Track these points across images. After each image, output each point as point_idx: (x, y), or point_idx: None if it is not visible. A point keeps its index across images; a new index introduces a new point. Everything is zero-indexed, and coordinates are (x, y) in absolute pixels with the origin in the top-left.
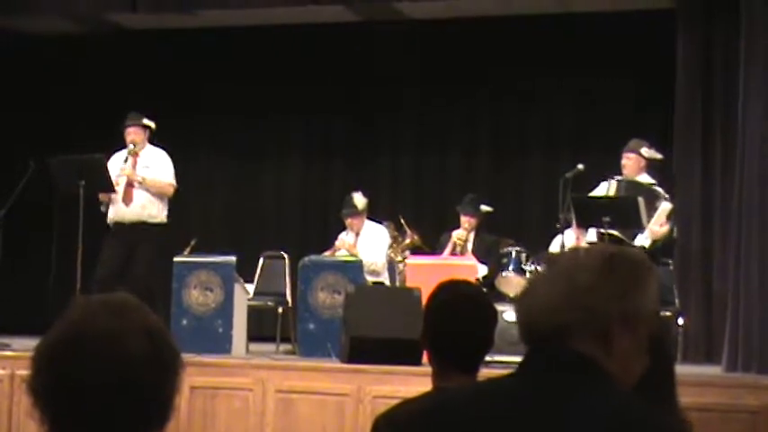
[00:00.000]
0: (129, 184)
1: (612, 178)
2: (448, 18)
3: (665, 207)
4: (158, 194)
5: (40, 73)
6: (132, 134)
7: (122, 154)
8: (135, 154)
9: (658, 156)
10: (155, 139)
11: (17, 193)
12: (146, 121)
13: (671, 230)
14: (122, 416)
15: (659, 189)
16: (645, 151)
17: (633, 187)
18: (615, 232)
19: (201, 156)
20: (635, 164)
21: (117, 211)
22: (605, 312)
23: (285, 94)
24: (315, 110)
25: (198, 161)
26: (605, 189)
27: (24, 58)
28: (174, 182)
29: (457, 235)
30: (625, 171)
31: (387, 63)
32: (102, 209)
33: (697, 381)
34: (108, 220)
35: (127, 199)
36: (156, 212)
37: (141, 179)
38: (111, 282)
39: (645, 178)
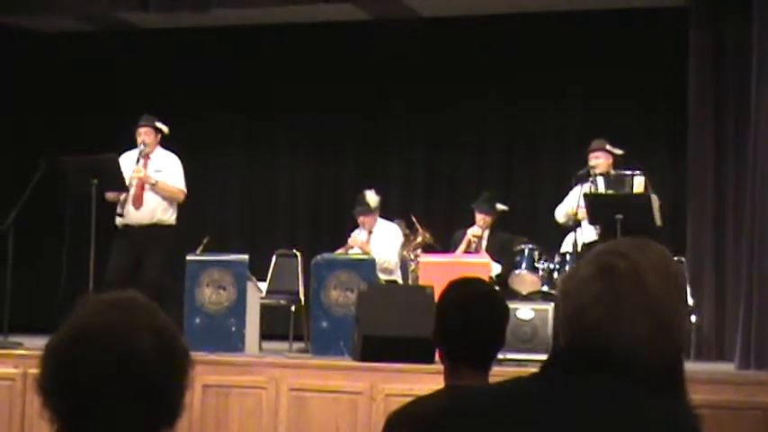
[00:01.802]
0: (141, 187)
1: (594, 177)
2: (459, 16)
3: (639, 181)
4: (168, 199)
5: (52, 72)
6: (144, 134)
7: (132, 154)
8: (146, 155)
9: (620, 151)
10: (166, 139)
11: (29, 193)
12: (159, 124)
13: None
14: (131, 414)
15: (627, 172)
16: (610, 148)
17: (617, 180)
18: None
19: (214, 154)
20: (605, 160)
21: (126, 214)
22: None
23: (297, 93)
24: (326, 108)
25: (210, 159)
26: (588, 189)
27: (36, 57)
28: (184, 188)
29: (472, 232)
30: (597, 170)
31: (398, 61)
32: (119, 210)
33: (710, 378)
34: (116, 222)
35: (137, 202)
36: (167, 216)
37: (154, 182)
38: (122, 285)
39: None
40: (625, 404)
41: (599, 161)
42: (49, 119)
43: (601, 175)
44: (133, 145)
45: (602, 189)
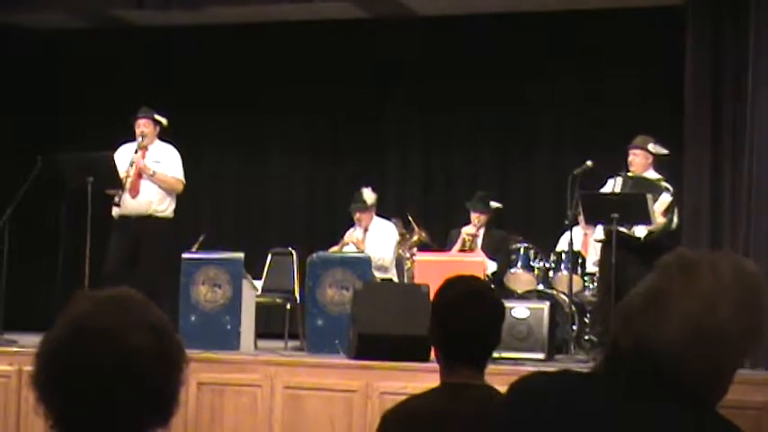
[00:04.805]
0: (138, 176)
1: (619, 175)
2: (455, 15)
3: (664, 200)
4: (167, 190)
5: (47, 69)
6: (143, 126)
7: (130, 147)
8: (144, 147)
9: (664, 151)
10: (164, 135)
11: (25, 190)
12: (157, 116)
13: (668, 223)
14: (126, 411)
15: (664, 183)
16: (651, 147)
17: (638, 183)
18: (624, 229)
19: (210, 152)
20: (642, 160)
21: (123, 204)
22: None
23: (294, 91)
24: (323, 106)
25: (206, 157)
26: (612, 186)
27: (30, 54)
28: (182, 178)
29: (466, 231)
30: (632, 167)
31: (395, 59)
32: (116, 200)
33: None
34: (113, 213)
35: (134, 191)
36: (164, 207)
37: (152, 172)
38: (120, 276)
39: (652, 174)
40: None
41: (636, 159)
42: (44, 116)
43: (624, 175)
44: (131, 138)
45: (618, 188)
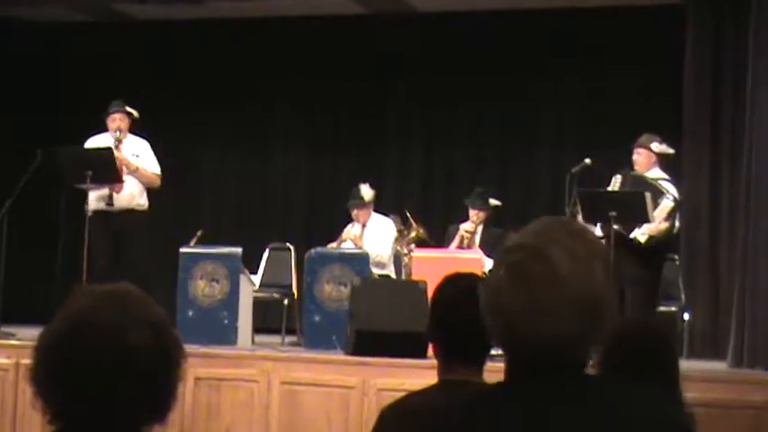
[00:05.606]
0: (120, 171)
1: (621, 173)
2: (455, 11)
3: (666, 204)
4: (145, 184)
5: (48, 63)
6: (118, 120)
7: (100, 139)
8: (119, 141)
9: (670, 151)
10: (156, 128)
11: (24, 183)
12: (129, 109)
13: (670, 228)
14: (124, 406)
15: (666, 185)
16: (655, 146)
17: (639, 182)
18: (623, 232)
19: (210, 147)
20: (645, 159)
21: (102, 199)
22: None
23: (292, 86)
24: (321, 102)
25: (207, 152)
26: (613, 184)
27: (31, 48)
28: (160, 172)
29: (464, 228)
30: (636, 166)
31: (395, 55)
32: (106, 199)
33: (703, 376)
34: (88, 207)
35: (118, 187)
36: (143, 200)
37: (135, 168)
38: (113, 272)
39: (656, 173)
40: (615, 405)
41: (639, 158)
42: (44, 110)
43: (625, 174)
44: (101, 130)
45: (617, 186)
